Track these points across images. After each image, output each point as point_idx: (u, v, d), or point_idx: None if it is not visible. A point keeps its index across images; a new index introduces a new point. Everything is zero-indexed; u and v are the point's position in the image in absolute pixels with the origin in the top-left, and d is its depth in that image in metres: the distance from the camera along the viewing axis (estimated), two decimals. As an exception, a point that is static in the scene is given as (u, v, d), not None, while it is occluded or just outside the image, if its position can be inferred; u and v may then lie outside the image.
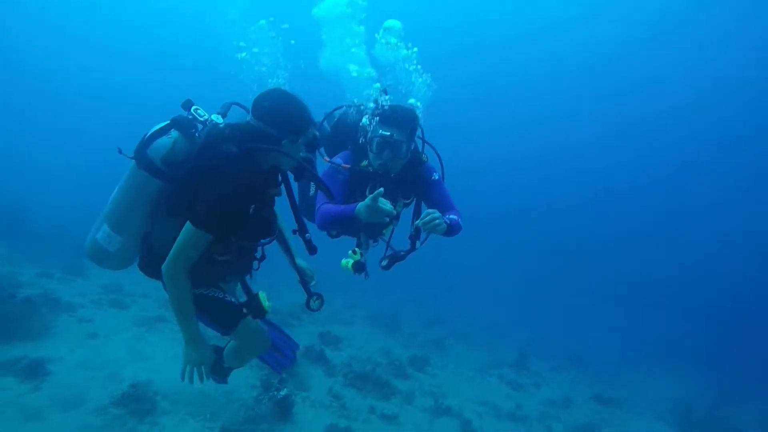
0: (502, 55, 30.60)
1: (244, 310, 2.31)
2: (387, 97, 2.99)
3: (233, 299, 2.34)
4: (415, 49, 3.58)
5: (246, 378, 5.15)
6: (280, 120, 2.08)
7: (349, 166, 2.69)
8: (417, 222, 2.46)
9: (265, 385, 4.87)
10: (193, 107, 2.15)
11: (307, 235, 2.48)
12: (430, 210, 2.42)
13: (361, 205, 2.34)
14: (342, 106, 3.09)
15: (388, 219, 2.33)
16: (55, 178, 21.12)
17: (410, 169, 2.75)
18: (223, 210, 1.96)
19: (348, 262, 2.77)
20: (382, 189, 2.26)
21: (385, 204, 2.27)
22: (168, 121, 2.09)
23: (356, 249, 2.80)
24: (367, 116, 2.82)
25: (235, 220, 2.02)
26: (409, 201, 2.93)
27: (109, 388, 4.35)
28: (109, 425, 3.78)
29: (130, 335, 6.02)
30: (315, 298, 2.63)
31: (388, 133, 2.58)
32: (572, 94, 30.53)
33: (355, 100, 3.08)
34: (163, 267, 1.97)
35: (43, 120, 29.25)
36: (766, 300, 20.68)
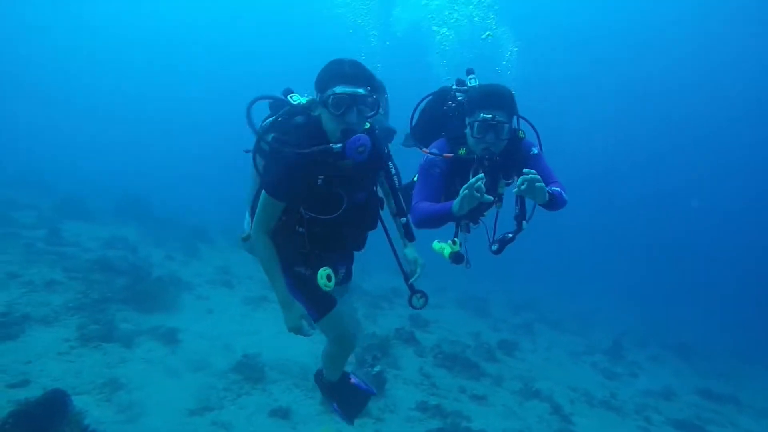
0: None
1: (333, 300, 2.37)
2: (473, 77, 2.89)
3: (323, 288, 2.30)
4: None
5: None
6: (316, 81, 2.09)
7: (451, 155, 2.56)
8: (514, 190, 2.29)
9: (360, 361, 5.24)
10: (290, 94, 2.28)
11: (402, 219, 2.51)
12: (529, 170, 2.25)
13: (457, 200, 2.21)
14: (429, 95, 2.99)
15: (483, 199, 2.14)
16: (170, 171, 23.54)
17: (509, 147, 2.62)
18: (284, 177, 2.03)
19: (444, 248, 2.72)
20: (482, 175, 2.13)
21: (481, 190, 2.12)
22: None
23: (456, 239, 2.73)
24: (459, 100, 2.72)
25: (297, 188, 2.06)
26: (510, 181, 2.78)
27: (226, 356, 4.98)
28: (229, 387, 4.37)
29: (239, 312, 6.74)
30: (419, 295, 2.55)
31: (490, 116, 2.43)
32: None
33: (451, 81, 2.92)
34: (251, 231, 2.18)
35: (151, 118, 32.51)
36: None
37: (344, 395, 2.83)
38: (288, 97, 2.29)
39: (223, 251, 10.23)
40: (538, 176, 2.23)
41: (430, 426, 4.55)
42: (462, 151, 2.56)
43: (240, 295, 7.43)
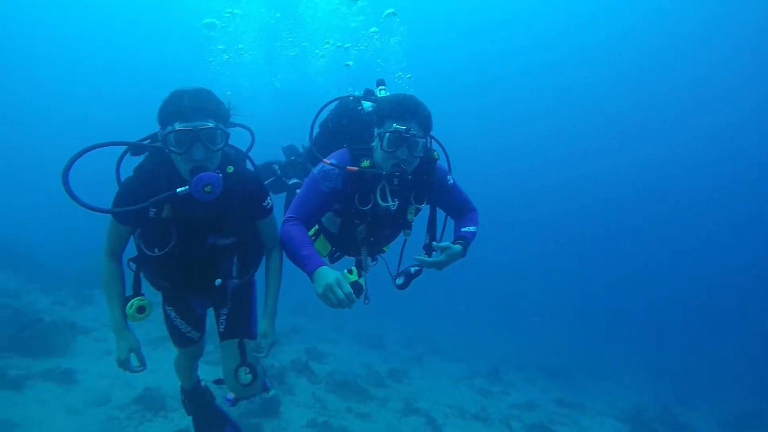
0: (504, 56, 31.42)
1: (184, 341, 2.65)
2: (383, 88, 2.72)
3: (184, 327, 2.62)
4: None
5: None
6: (157, 116, 2.03)
7: (356, 168, 2.31)
8: (428, 262, 2.37)
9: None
10: None
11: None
12: (441, 256, 2.35)
13: (323, 275, 2.05)
14: (334, 100, 2.76)
15: (342, 305, 2.03)
16: (54, 210, 21.74)
17: (422, 168, 2.41)
18: (116, 203, 2.07)
19: None
20: (357, 283, 2.16)
21: (346, 291, 2.02)
22: None
23: (353, 268, 2.32)
24: (366, 110, 2.56)
25: (123, 217, 2.08)
26: (421, 206, 2.60)
27: (128, 391, 5.27)
28: (132, 417, 4.73)
29: (139, 353, 6.90)
30: (247, 370, 2.38)
31: (404, 128, 2.22)
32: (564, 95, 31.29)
33: (356, 93, 2.81)
34: None
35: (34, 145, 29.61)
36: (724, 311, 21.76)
37: (199, 414, 3.03)
38: None
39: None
40: (447, 250, 2.36)
41: (318, 438, 5.23)
42: (365, 163, 2.33)
43: (140, 336, 7.53)
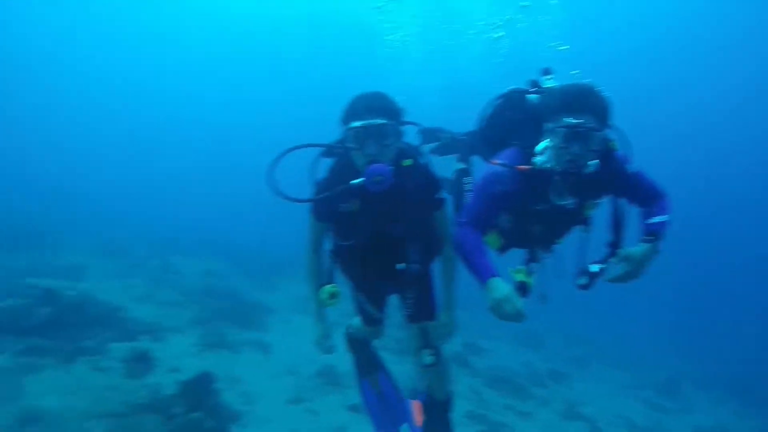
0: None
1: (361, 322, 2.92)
2: (550, 77, 2.55)
3: (369, 309, 2.83)
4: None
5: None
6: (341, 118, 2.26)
7: (528, 167, 2.20)
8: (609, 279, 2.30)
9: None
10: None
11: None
12: (628, 266, 2.26)
13: (495, 288, 2.06)
14: (501, 96, 2.60)
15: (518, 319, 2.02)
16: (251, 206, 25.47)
17: (601, 161, 2.18)
18: (313, 199, 2.33)
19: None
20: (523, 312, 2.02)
21: (517, 307, 2.01)
22: None
23: (522, 267, 2.30)
24: (534, 103, 2.42)
25: (320, 213, 2.39)
26: (599, 201, 2.44)
27: (311, 366, 6.11)
28: (316, 388, 5.52)
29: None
30: (431, 351, 2.55)
31: (578, 121, 2.05)
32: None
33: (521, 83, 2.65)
34: None
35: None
36: None
37: (360, 354, 3.31)
38: None
39: (299, 283, 11.55)
40: (629, 258, 2.25)
41: (476, 429, 5.42)
42: (537, 160, 2.22)
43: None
